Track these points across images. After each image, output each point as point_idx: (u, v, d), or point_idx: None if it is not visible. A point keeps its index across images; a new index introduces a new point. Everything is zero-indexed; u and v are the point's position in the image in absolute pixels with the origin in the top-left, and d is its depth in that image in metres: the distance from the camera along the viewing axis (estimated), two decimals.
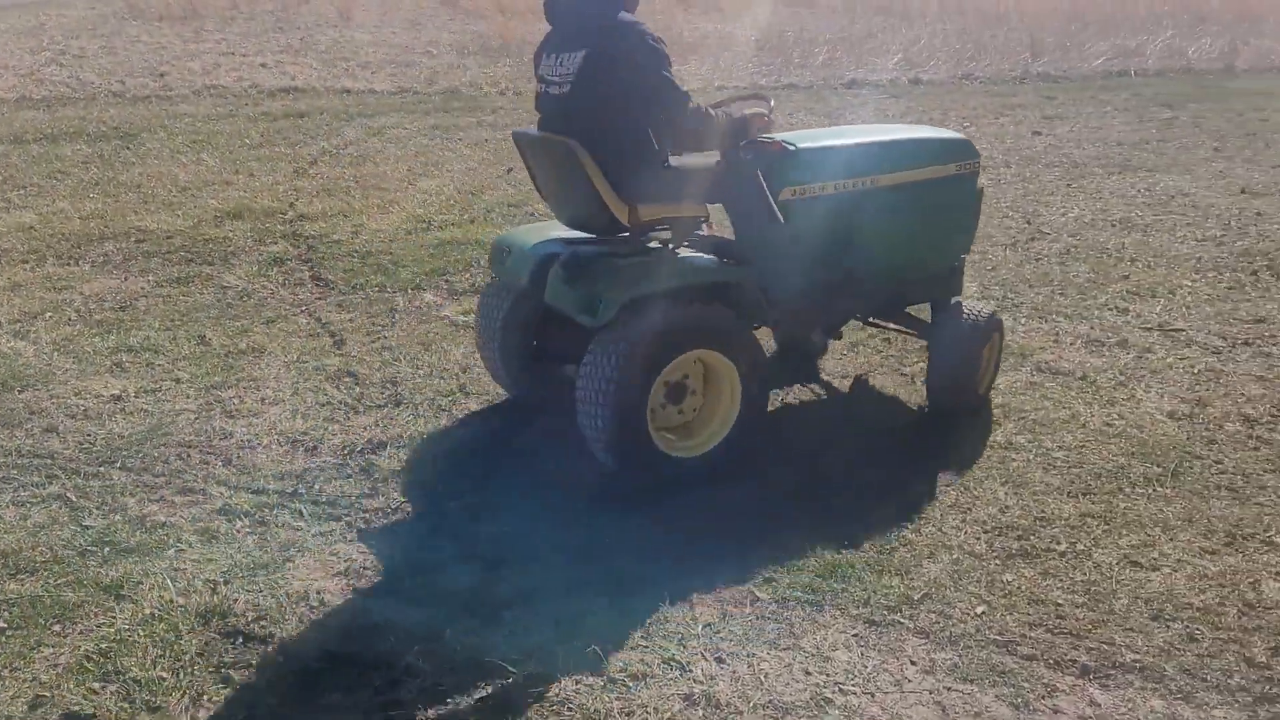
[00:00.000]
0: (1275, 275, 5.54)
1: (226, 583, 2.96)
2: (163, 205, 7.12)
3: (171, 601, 2.85)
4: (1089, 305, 5.13)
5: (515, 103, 11.92)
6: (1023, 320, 4.96)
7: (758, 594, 2.90)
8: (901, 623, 2.78)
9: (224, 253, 6.04)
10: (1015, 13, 21.08)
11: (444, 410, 4.06)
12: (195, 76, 13.31)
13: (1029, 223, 6.63)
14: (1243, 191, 7.26)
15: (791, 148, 3.64)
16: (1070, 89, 12.91)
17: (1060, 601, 2.85)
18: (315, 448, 3.76)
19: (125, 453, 3.70)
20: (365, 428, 3.90)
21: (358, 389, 4.23)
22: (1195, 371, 4.34)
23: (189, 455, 3.69)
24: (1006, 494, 3.41)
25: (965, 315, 3.92)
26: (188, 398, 4.13)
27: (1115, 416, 3.94)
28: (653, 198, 3.42)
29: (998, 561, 3.05)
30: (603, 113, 3.32)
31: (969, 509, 3.33)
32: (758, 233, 3.71)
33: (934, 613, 2.81)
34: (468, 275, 5.70)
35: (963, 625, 2.76)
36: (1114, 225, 6.54)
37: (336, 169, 8.35)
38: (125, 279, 5.60)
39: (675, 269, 3.45)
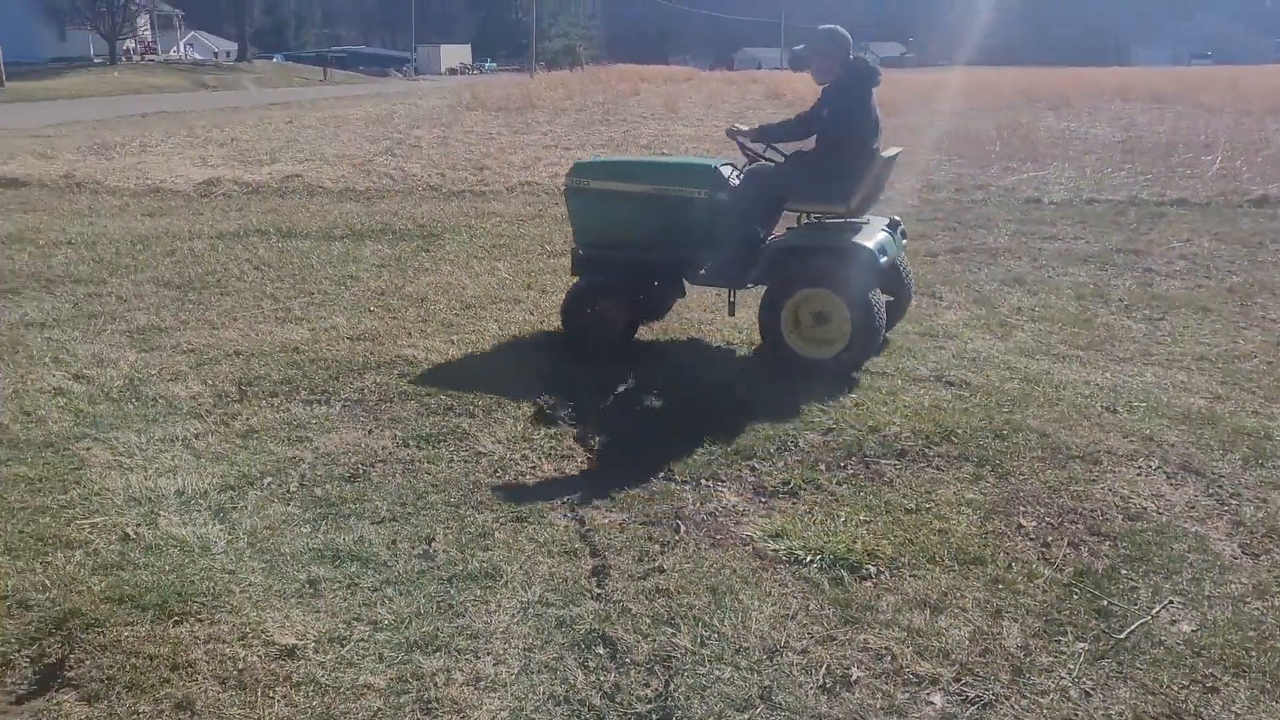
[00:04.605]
0: None
1: None
2: (440, 327, 6.27)
3: None
4: None
5: None
6: None
7: None
8: None
9: (488, 402, 4.98)
10: None
11: None
12: (512, 171, 13.02)
13: None
14: None
15: None
16: None
17: None
18: None
19: None
20: None
21: (612, 673, 2.86)
22: None
23: None
24: None
25: None
26: (379, 661, 2.92)
27: None
28: None
29: None
30: None
31: None
32: None
33: None
34: (782, 462, 4.27)
35: None
36: None
37: None
38: (370, 431, 4.63)
39: None
